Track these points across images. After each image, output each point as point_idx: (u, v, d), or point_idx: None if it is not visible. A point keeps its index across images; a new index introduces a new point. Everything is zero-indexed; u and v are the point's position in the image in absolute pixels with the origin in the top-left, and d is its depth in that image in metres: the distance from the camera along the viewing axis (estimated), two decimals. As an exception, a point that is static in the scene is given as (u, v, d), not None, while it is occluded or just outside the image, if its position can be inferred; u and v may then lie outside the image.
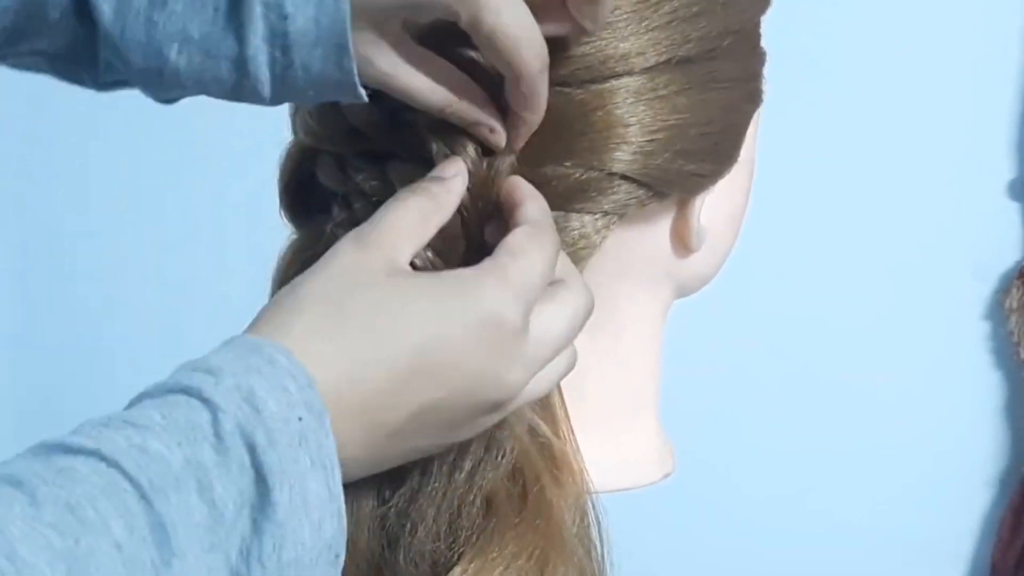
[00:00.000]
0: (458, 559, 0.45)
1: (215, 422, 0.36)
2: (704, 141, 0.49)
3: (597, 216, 0.48)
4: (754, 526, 1.47)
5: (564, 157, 0.47)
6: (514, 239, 0.43)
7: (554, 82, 0.45)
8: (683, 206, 0.51)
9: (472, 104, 0.44)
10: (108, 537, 0.33)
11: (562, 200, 0.47)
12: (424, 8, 0.41)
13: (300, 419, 0.37)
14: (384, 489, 0.46)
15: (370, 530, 0.45)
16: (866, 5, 1.38)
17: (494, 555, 0.44)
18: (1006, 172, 1.39)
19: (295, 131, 0.52)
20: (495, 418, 0.43)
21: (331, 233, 0.50)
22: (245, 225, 1.05)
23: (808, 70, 1.34)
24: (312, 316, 0.40)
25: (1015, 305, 1.39)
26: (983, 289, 1.43)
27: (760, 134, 0.55)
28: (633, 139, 0.47)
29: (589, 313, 0.45)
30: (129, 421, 0.36)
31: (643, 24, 0.46)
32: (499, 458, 0.46)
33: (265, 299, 0.54)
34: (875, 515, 1.48)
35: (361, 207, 0.48)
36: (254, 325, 0.41)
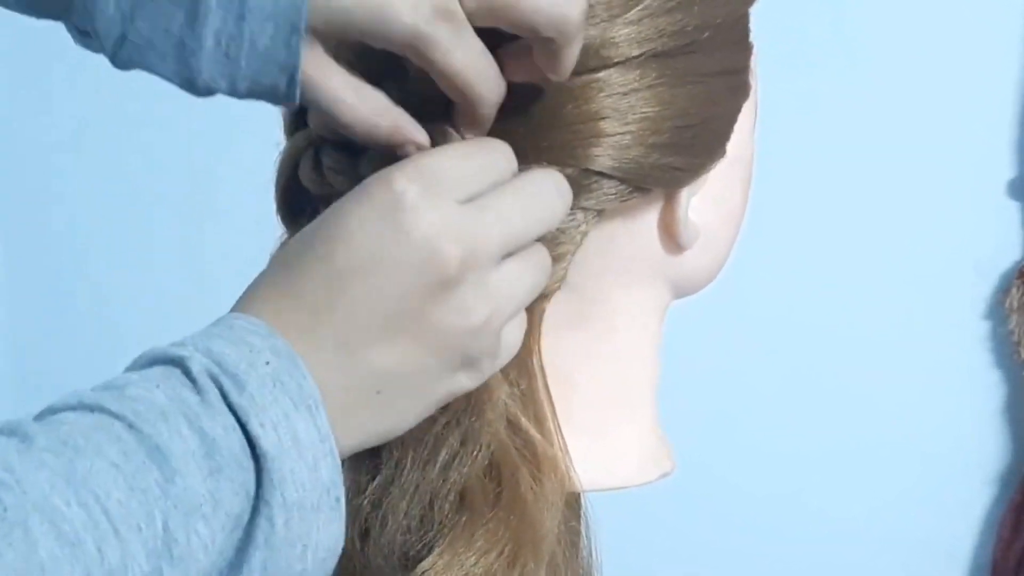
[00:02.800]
0: (428, 552, 0.44)
1: (186, 371, 0.37)
2: (682, 134, 0.48)
3: (576, 212, 0.47)
4: (753, 526, 1.47)
5: (538, 155, 0.46)
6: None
7: None
8: (669, 201, 0.50)
9: (399, 126, 0.44)
10: (104, 459, 0.34)
11: None
12: (378, 39, 0.41)
13: (267, 363, 0.38)
14: (360, 479, 0.45)
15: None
16: (867, 4, 1.38)
17: (462, 549, 0.44)
18: (1006, 171, 1.39)
19: (287, 132, 0.52)
20: (472, 304, 0.41)
21: None
22: (245, 224, 1.05)
23: (809, 69, 1.34)
24: (269, 279, 0.42)
25: (1015, 304, 1.39)
26: (983, 288, 1.42)
27: (759, 131, 0.55)
28: (608, 135, 0.46)
29: (563, 199, 0.45)
30: (105, 385, 0.38)
31: (617, 18, 0.46)
32: (475, 452, 0.45)
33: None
34: (875, 515, 1.48)
35: None
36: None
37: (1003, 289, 1.41)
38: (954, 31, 1.37)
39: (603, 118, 0.46)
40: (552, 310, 0.48)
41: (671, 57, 0.47)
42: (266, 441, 0.36)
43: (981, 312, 1.43)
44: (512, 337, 0.45)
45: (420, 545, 0.45)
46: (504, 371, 0.46)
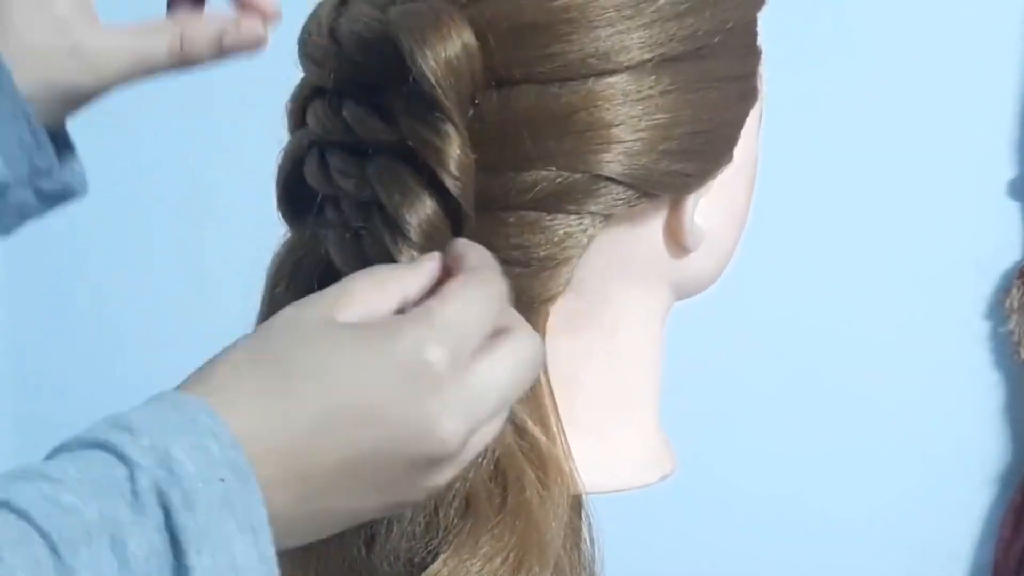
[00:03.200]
0: (433, 559, 0.44)
1: (132, 479, 0.35)
2: (693, 140, 0.48)
3: (584, 217, 0.47)
4: (754, 526, 1.47)
5: (547, 160, 0.46)
6: (448, 286, 0.41)
7: (536, 79, 0.45)
8: (676, 206, 0.50)
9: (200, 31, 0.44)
10: None
11: (547, 203, 0.46)
12: None
13: (222, 480, 0.36)
14: None
15: (347, 529, 0.44)
16: (867, 4, 1.38)
17: (467, 555, 0.44)
18: (1007, 171, 1.39)
19: (290, 129, 0.52)
20: (441, 477, 0.40)
21: (315, 234, 0.50)
22: (245, 224, 1.05)
23: (809, 69, 1.34)
24: (241, 371, 0.39)
25: (1015, 304, 1.39)
26: (984, 288, 1.43)
27: (761, 133, 0.55)
28: (618, 140, 0.46)
29: (537, 361, 0.42)
30: (43, 473, 0.35)
31: (628, 22, 0.45)
32: (480, 459, 0.45)
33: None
34: (876, 514, 1.48)
35: (348, 208, 0.48)
36: (186, 380, 0.39)
37: (1004, 289, 1.41)
38: (954, 31, 1.37)
39: (615, 124, 0.46)
40: (556, 312, 0.48)
41: (683, 62, 0.47)
42: (200, 571, 0.35)
43: (982, 312, 1.44)
44: (482, 443, 0.43)
45: (425, 552, 0.44)
46: None
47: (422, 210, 0.45)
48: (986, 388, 1.45)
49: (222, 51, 0.47)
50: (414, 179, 0.45)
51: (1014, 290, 1.39)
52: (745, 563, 1.47)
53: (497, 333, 0.41)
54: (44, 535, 0.33)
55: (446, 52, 0.43)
